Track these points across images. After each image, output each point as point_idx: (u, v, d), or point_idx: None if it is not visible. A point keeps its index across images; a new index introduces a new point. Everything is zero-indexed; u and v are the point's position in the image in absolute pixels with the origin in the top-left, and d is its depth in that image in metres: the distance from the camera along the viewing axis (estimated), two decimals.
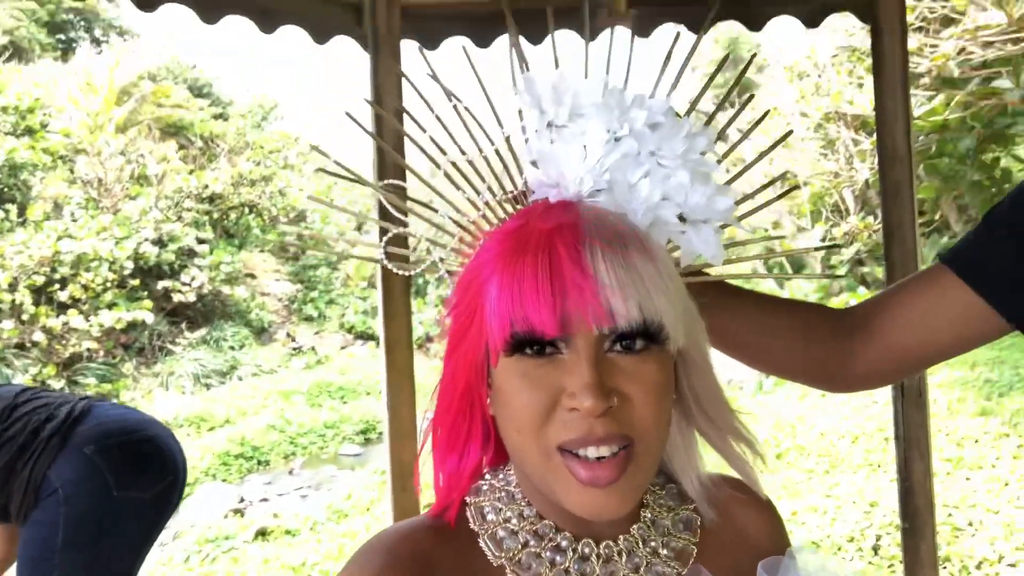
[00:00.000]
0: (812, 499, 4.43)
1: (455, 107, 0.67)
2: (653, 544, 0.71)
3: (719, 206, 0.69)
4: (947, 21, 5.00)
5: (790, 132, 1.05)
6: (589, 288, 0.60)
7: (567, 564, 0.68)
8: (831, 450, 5.22)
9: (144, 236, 11.58)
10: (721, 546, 0.75)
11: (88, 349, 10.20)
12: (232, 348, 11.76)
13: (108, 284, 10.79)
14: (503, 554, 0.68)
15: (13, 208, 10.95)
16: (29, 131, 12.64)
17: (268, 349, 12.32)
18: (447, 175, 0.66)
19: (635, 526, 0.71)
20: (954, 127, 5.44)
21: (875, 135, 2.08)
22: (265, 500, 6.88)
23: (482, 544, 0.69)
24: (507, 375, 0.64)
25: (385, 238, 0.69)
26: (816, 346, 0.96)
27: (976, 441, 5.08)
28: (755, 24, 2.09)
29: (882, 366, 0.97)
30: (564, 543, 0.69)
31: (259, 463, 7.87)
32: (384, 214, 0.72)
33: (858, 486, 4.49)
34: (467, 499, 0.73)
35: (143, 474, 1.89)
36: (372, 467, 6.97)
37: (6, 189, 11.41)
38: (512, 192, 0.68)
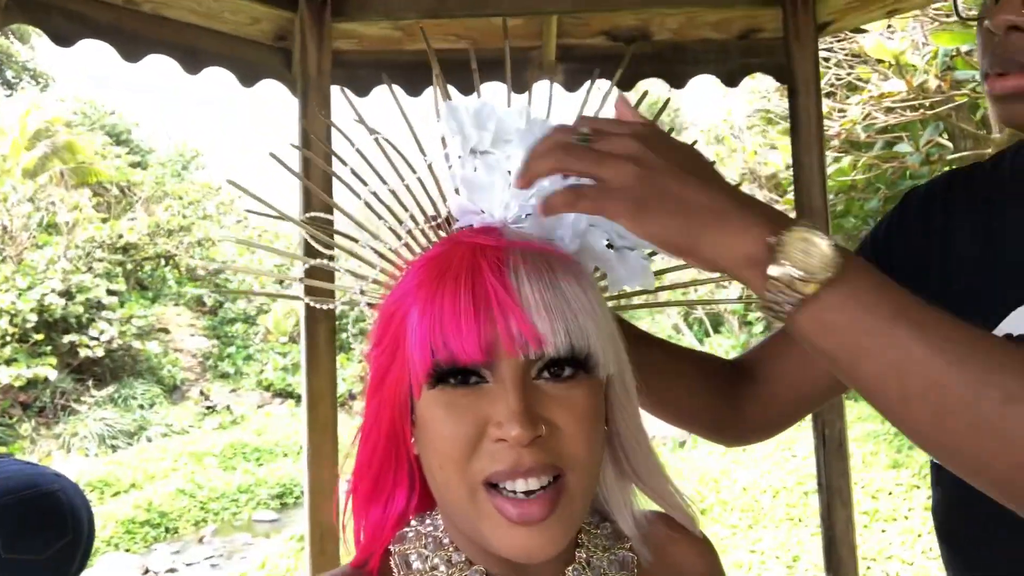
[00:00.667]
0: (737, 555, 4.44)
1: (377, 140, 0.64)
2: None
3: None
4: (853, 88, 5.32)
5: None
6: (514, 312, 0.57)
7: None
8: (753, 505, 5.27)
9: (50, 287, 11.02)
10: None
11: None
12: (141, 407, 11.21)
13: (7, 338, 10.18)
14: None
15: None
16: None
17: (180, 408, 11.79)
18: (368, 205, 0.62)
19: (570, 568, 0.67)
20: (861, 188, 5.74)
21: (792, 191, 2.15)
22: (172, 571, 6.50)
23: None
24: (430, 407, 0.60)
25: (304, 269, 0.64)
26: (713, 394, 0.97)
27: (890, 493, 5.23)
28: (678, 81, 2.15)
29: (769, 412, 0.99)
30: None
31: (167, 531, 7.44)
32: (309, 252, 0.68)
33: (781, 540, 4.54)
34: (391, 547, 0.68)
35: (38, 534, 1.75)
36: (289, 533, 6.68)
37: None
38: (435, 220, 0.65)
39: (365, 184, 0.63)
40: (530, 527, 0.58)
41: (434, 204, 0.64)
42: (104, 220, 13.10)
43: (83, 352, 11.06)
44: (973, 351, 0.49)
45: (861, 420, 6.70)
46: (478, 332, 0.57)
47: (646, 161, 0.54)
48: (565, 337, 0.58)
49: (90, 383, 11.21)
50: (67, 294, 11.26)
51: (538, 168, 0.56)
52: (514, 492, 0.58)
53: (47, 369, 10.22)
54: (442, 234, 0.66)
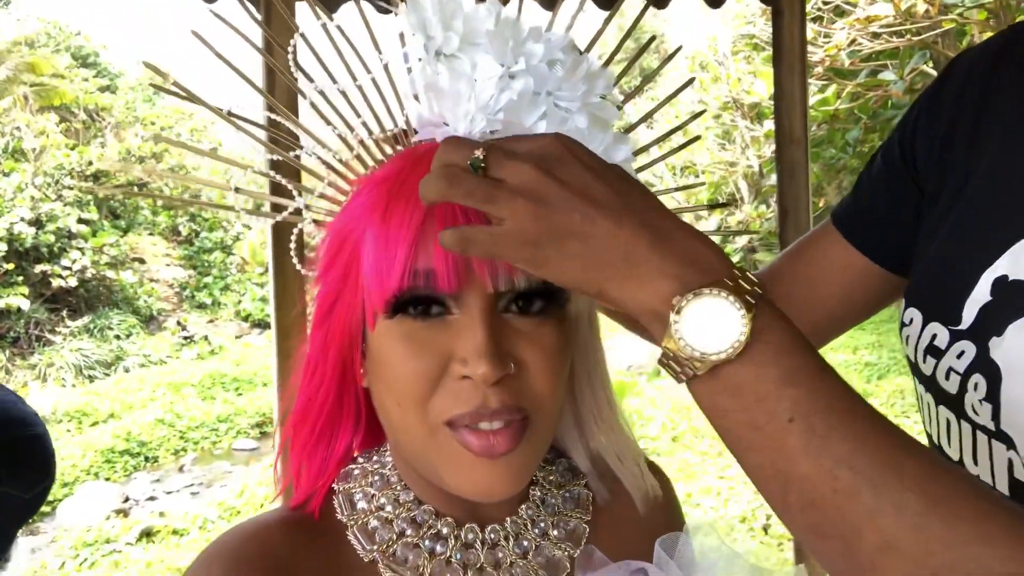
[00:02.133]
0: (706, 480, 4.54)
1: (325, 27, 0.58)
2: (543, 525, 0.65)
3: (617, 156, 0.63)
4: (840, 12, 5.21)
5: (702, 112, 1.00)
6: None
7: (448, 553, 0.61)
8: None
9: (19, 215, 10.77)
10: (614, 523, 0.70)
11: None
12: (118, 337, 11.12)
13: None
14: (375, 547, 0.60)
15: None
16: None
17: (157, 339, 11.72)
18: (314, 107, 0.57)
19: (523, 506, 0.65)
20: (843, 117, 5.68)
21: (773, 116, 2.11)
22: (152, 499, 6.54)
23: (351, 537, 0.61)
24: (387, 339, 0.56)
25: (235, 180, 0.59)
26: None
27: None
28: (661, 1, 2.07)
29: None
30: (445, 530, 0.62)
31: (147, 460, 7.47)
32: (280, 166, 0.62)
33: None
34: (335, 486, 0.64)
35: (27, 473, 1.75)
36: (268, 461, 6.74)
37: None
38: (391, 131, 0.60)
39: (311, 81, 0.58)
40: (493, 461, 0.54)
41: (391, 112, 0.59)
42: (72, 147, 12.73)
43: (56, 282, 10.90)
44: (865, 483, 0.42)
45: (833, 350, 6.80)
46: (446, 259, 0.52)
47: (544, 195, 0.46)
48: None
49: (64, 313, 11.08)
50: (37, 223, 11.02)
51: (424, 193, 0.48)
52: (477, 427, 0.54)
53: (19, 299, 10.07)
54: (400, 148, 0.61)
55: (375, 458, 0.66)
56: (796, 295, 0.91)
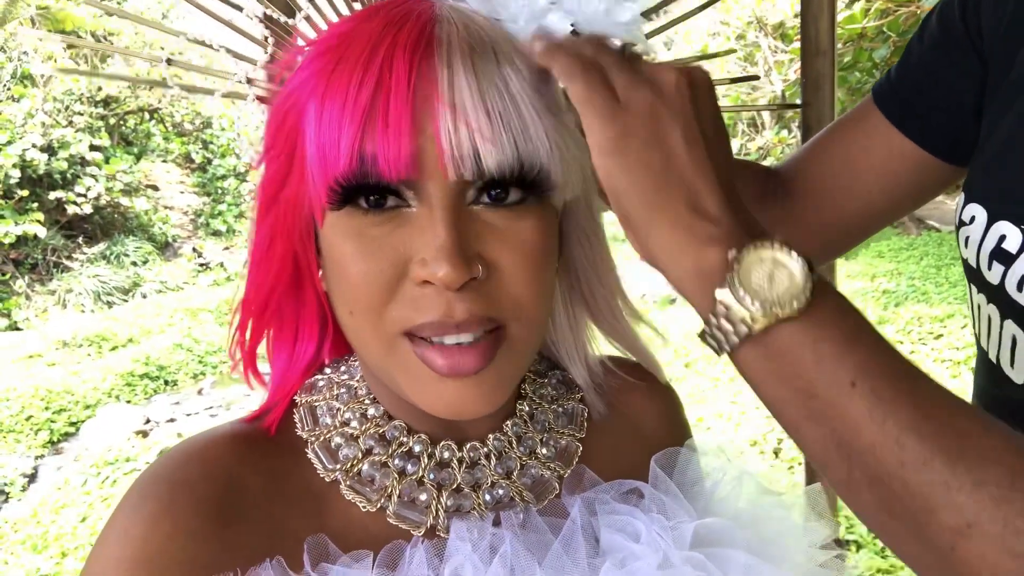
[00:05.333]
0: (718, 406, 4.53)
1: None
2: (530, 443, 0.60)
3: (621, 17, 0.55)
4: None
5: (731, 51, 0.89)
6: (445, 115, 0.45)
7: (420, 473, 0.55)
8: None
9: (31, 142, 10.70)
10: (612, 441, 0.64)
11: None
12: (135, 264, 11.17)
13: None
14: (338, 466, 0.54)
15: None
16: None
17: (173, 265, 11.76)
18: None
19: (509, 422, 0.59)
20: (871, 36, 5.42)
21: (800, 26, 1.98)
22: (172, 420, 6.65)
23: (310, 455, 0.55)
24: (336, 237, 0.48)
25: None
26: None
27: None
28: None
29: (808, 235, 0.82)
30: (418, 447, 0.56)
31: (166, 383, 7.56)
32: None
33: None
34: (297, 398, 0.58)
35: None
36: None
37: None
38: None
39: None
40: (462, 380, 0.48)
41: None
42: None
43: (71, 209, 10.90)
44: (937, 452, 0.38)
45: (851, 278, 6.69)
46: (398, 139, 0.44)
47: (670, 99, 0.45)
48: (512, 151, 0.46)
49: (80, 240, 11.12)
50: (49, 149, 10.96)
51: (541, 50, 0.47)
52: (442, 342, 0.48)
53: (36, 226, 10.10)
54: (357, 6, 0.53)
55: (343, 368, 0.60)
56: (831, 184, 0.81)
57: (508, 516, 0.56)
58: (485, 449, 0.58)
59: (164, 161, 13.45)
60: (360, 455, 0.55)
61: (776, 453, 3.85)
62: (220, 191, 13.59)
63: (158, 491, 0.50)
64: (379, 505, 0.54)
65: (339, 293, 0.50)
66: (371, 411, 0.57)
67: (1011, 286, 0.62)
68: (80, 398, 6.64)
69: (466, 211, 0.48)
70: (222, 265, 12.06)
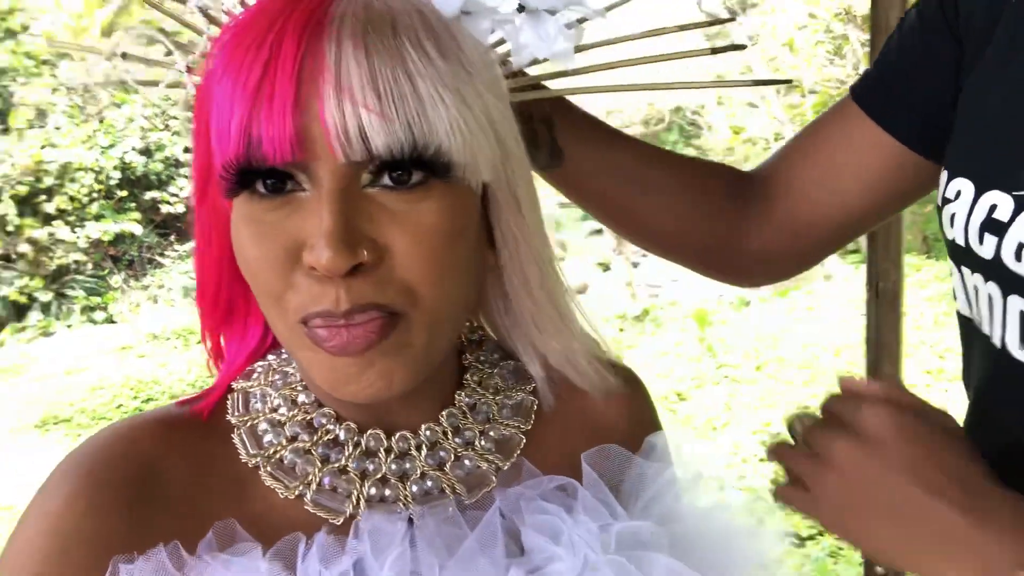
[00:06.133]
0: (788, 410, 4.37)
1: None
2: (468, 434, 0.58)
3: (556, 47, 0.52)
4: None
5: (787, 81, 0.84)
6: (330, 94, 0.43)
7: (344, 462, 0.54)
8: (813, 362, 5.15)
9: (130, 145, 11.31)
10: (562, 434, 0.61)
11: (76, 261, 10.12)
12: None
13: (95, 195, 10.60)
14: (260, 451, 0.54)
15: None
16: (10, 34, 12.20)
17: None
18: None
19: (445, 412, 0.57)
20: None
21: (870, 11, 1.89)
22: None
23: (235, 440, 0.55)
24: (236, 223, 0.48)
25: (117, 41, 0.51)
26: (704, 213, 0.76)
27: (958, 353, 4.99)
28: None
29: (782, 239, 0.77)
30: (343, 435, 0.55)
31: None
32: None
33: None
34: (234, 384, 0.58)
35: None
36: None
37: None
38: None
39: None
40: (354, 358, 0.46)
41: None
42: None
43: (164, 208, 11.46)
44: None
45: (938, 279, 6.36)
46: (281, 121, 0.43)
47: (855, 473, 0.47)
48: (405, 130, 0.44)
49: (172, 238, 11.68)
50: (146, 152, 11.56)
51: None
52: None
53: (133, 224, 10.66)
54: None
55: (284, 355, 0.59)
56: (807, 183, 0.76)
57: (424, 510, 0.54)
58: (416, 440, 0.56)
59: None
60: (284, 441, 0.55)
61: None
62: None
63: (78, 471, 0.51)
64: (297, 492, 0.53)
65: (248, 281, 0.50)
66: (301, 398, 0.56)
67: (1008, 257, 0.57)
68: (166, 388, 6.96)
69: (359, 194, 0.46)
70: None
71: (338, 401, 0.55)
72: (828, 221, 0.75)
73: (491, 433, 0.58)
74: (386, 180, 0.46)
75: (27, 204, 9.98)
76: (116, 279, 10.55)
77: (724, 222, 0.76)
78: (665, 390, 5.10)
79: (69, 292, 9.86)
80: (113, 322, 9.55)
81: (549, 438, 0.61)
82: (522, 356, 0.61)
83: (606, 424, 0.64)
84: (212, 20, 0.56)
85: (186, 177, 11.88)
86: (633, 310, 6.62)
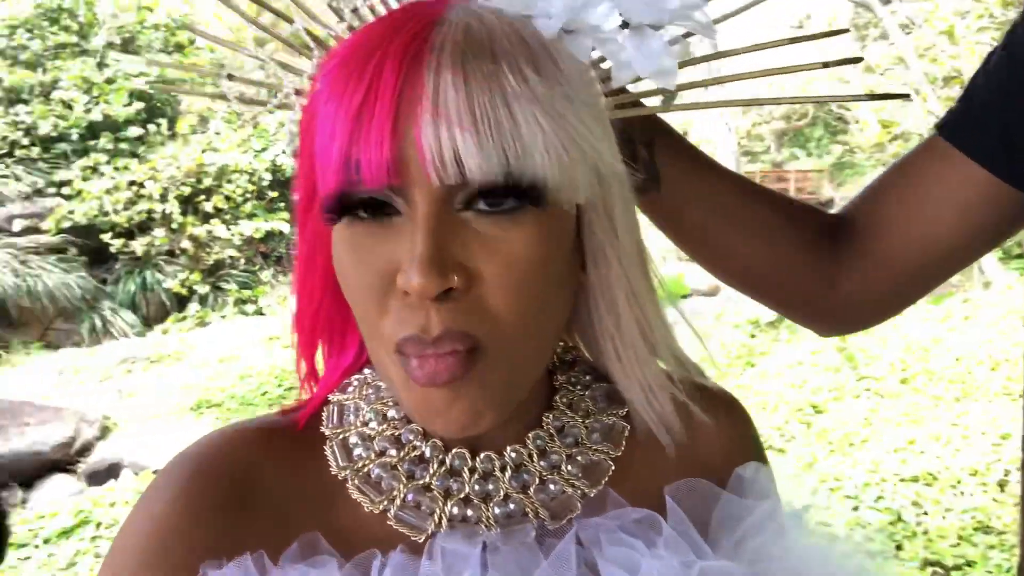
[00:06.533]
0: (935, 427, 4.05)
1: None
2: (555, 458, 0.56)
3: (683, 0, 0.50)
4: None
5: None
6: (427, 119, 0.43)
7: (428, 480, 0.54)
8: (965, 377, 4.73)
9: (281, 148, 12.04)
10: (651, 464, 0.59)
11: (230, 257, 10.89)
12: None
13: (248, 195, 11.37)
14: (350, 465, 0.55)
15: (164, 123, 11.65)
16: (178, 47, 13.30)
17: None
18: None
19: (532, 434, 0.56)
20: None
21: None
22: None
23: (327, 451, 0.56)
24: (337, 248, 0.49)
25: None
26: (801, 253, 0.73)
27: None
28: None
29: (877, 281, 0.74)
30: (429, 452, 0.55)
31: None
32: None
33: (992, 416, 4.06)
34: (330, 396, 0.59)
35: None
36: None
37: (158, 104, 12.13)
38: None
39: None
40: (440, 389, 0.46)
41: None
42: None
43: None
44: None
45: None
46: (379, 146, 0.43)
47: None
48: (500, 158, 0.43)
49: None
50: (296, 155, 12.26)
51: None
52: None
53: (281, 223, 11.34)
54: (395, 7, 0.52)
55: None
56: (898, 222, 0.73)
57: (500, 536, 0.53)
58: (501, 461, 0.55)
59: None
60: (373, 455, 0.55)
61: (1002, 486, 3.36)
62: None
63: (181, 473, 0.54)
64: (381, 507, 0.54)
65: (350, 305, 0.51)
66: (391, 413, 0.57)
67: None
68: None
69: (453, 218, 0.45)
70: None
71: None
72: (924, 259, 0.72)
73: (579, 458, 0.57)
74: (480, 205, 0.46)
75: (189, 204, 10.84)
76: (266, 274, 11.30)
77: (819, 264, 0.73)
78: (799, 401, 4.85)
79: (224, 285, 10.63)
80: (262, 314, 10.20)
81: (639, 466, 0.58)
82: (615, 378, 0.59)
83: (701, 454, 0.60)
84: (319, 43, 0.57)
85: None
86: (767, 316, 6.33)
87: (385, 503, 0.54)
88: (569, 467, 0.56)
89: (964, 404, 4.33)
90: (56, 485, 6.04)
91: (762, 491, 0.59)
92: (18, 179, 10.75)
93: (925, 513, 3.30)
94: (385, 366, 0.49)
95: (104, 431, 6.58)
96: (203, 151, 11.29)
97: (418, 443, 0.55)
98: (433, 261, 0.43)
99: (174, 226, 10.62)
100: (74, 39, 12.36)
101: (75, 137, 11.20)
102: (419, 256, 0.43)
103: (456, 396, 0.47)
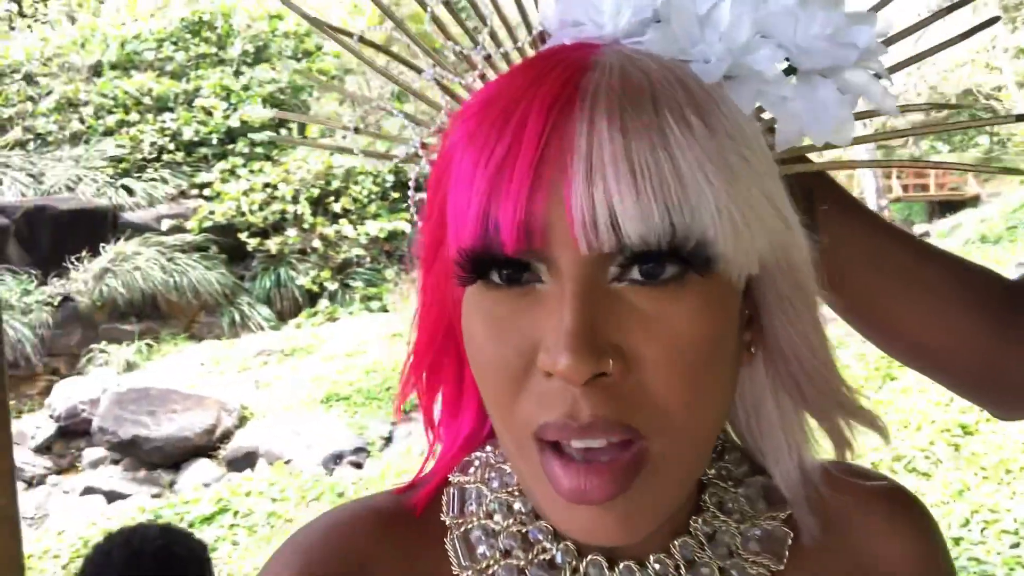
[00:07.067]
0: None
1: None
2: (705, 571, 0.48)
3: (856, 42, 0.45)
4: None
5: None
6: (579, 176, 0.38)
7: None
8: None
9: (403, 151, 12.38)
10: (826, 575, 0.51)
11: (357, 256, 11.28)
12: None
13: (372, 196, 11.75)
14: (472, 565, 0.49)
15: (295, 127, 12.20)
16: (307, 53, 13.91)
17: None
18: (435, 19, 0.49)
19: (678, 541, 0.49)
20: None
21: None
22: None
23: (448, 546, 0.50)
24: (468, 314, 0.44)
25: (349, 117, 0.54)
26: (980, 322, 0.62)
27: None
28: None
29: None
30: (560, 558, 0.49)
31: None
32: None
33: None
34: (450, 477, 0.54)
35: None
36: None
37: (289, 109, 12.73)
38: (528, 39, 0.49)
39: None
40: (590, 507, 0.40)
41: (524, 13, 0.49)
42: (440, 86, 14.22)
43: None
44: None
45: None
46: (515, 204, 0.38)
47: None
48: (663, 218, 0.38)
49: None
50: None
51: None
52: (569, 452, 0.41)
53: (403, 224, 11.65)
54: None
55: (501, 449, 0.54)
56: None
57: None
58: (645, 572, 0.48)
59: None
60: (498, 555, 0.50)
61: None
62: None
63: (297, 562, 0.50)
64: None
65: (477, 380, 0.46)
66: (517, 504, 0.51)
67: None
68: None
69: (606, 289, 0.40)
70: None
71: None
72: None
73: (733, 572, 0.49)
74: (635, 274, 0.40)
75: (319, 204, 11.32)
76: (390, 272, 11.65)
77: (997, 335, 0.62)
78: (947, 421, 4.48)
79: (351, 283, 11.04)
80: (386, 311, 10.52)
81: None
82: (773, 469, 0.51)
83: (884, 571, 0.52)
84: (449, 93, 0.52)
85: None
86: None
87: None
88: None
89: None
90: (200, 469, 6.46)
91: None
92: (165, 182, 11.58)
93: None
94: (516, 456, 0.44)
95: (242, 420, 6.97)
96: (331, 154, 11.75)
97: (548, 544, 0.49)
98: (585, 340, 0.38)
99: (305, 226, 11.11)
100: (213, 49, 13.16)
101: (215, 142, 11.93)
102: (568, 333, 0.38)
103: (608, 513, 0.41)
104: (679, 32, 0.44)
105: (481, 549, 0.50)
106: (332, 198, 11.45)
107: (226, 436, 6.76)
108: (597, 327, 0.39)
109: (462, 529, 0.51)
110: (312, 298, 10.87)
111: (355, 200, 11.55)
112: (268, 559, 0.52)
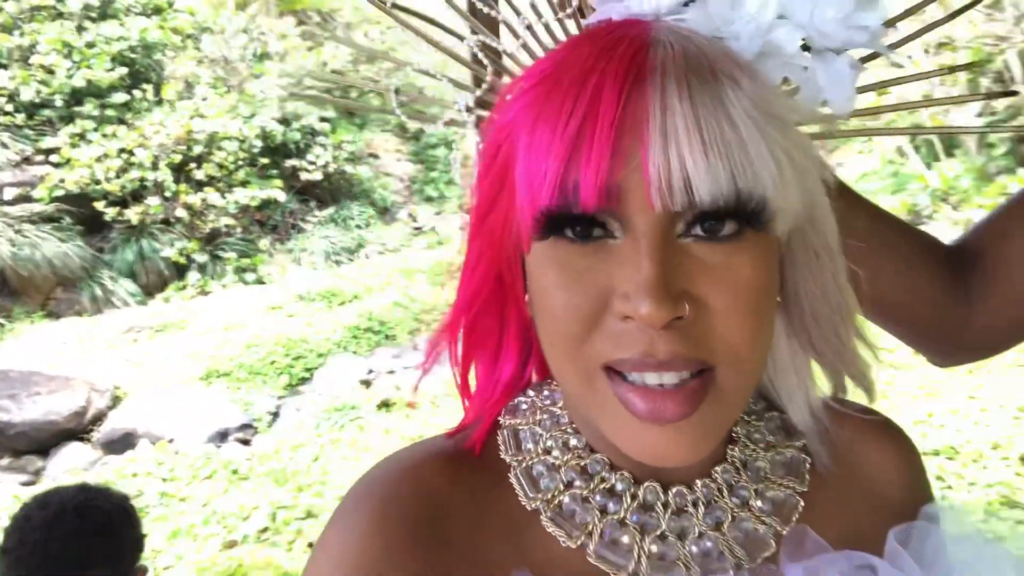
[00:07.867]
0: (953, 401, 4.10)
1: None
2: (744, 493, 0.55)
3: (864, 26, 0.50)
4: None
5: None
6: (655, 143, 0.43)
7: (622, 514, 0.53)
8: None
9: (269, 115, 11.85)
10: (838, 499, 0.59)
11: (226, 225, 10.76)
12: (359, 227, 12.11)
13: (240, 162, 11.21)
14: (539, 495, 0.53)
15: (149, 88, 11.42)
16: (157, 10, 12.97)
17: (392, 228, 12.61)
18: None
19: (719, 467, 0.55)
20: None
21: None
22: (392, 372, 7.17)
23: (512, 481, 0.54)
24: (541, 266, 0.48)
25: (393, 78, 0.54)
26: (934, 283, 0.72)
27: None
28: None
29: (1005, 319, 0.73)
30: (620, 486, 0.54)
31: (386, 337, 8.17)
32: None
33: (1008, 389, 4.11)
34: (500, 419, 0.58)
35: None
36: None
37: (142, 69, 11.87)
38: (567, 12, 0.52)
39: None
40: (662, 426, 0.45)
41: None
42: (310, 48, 13.66)
43: (304, 176, 11.98)
44: None
45: None
46: (598, 169, 0.43)
47: None
48: (729, 180, 0.43)
49: (313, 204, 12.22)
50: (284, 121, 12.07)
51: None
52: (644, 383, 0.46)
53: (276, 191, 11.22)
54: (575, 31, 0.53)
55: (546, 392, 0.59)
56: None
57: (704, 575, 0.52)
58: (693, 496, 0.54)
59: (383, 131, 14.34)
60: (561, 486, 0.54)
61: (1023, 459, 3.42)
62: (432, 159, 14.31)
63: (371, 507, 0.52)
64: (579, 542, 0.52)
65: (541, 323, 0.50)
66: (573, 441, 0.55)
67: None
68: (314, 347, 7.35)
69: (675, 244, 0.45)
70: (434, 229, 12.75)
71: (610, 447, 0.53)
72: None
73: (767, 493, 0.55)
74: (698, 231, 0.45)
75: (180, 171, 10.67)
76: (264, 242, 11.21)
77: (950, 296, 0.72)
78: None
79: (222, 254, 10.54)
80: (262, 283, 10.14)
81: (826, 503, 0.57)
82: (787, 406, 0.58)
83: (883, 487, 0.60)
84: (493, 59, 0.56)
85: (322, 146, 12.35)
86: None
87: (583, 538, 0.52)
88: (759, 503, 0.55)
89: (978, 377, 4.39)
90: (72, 453, 6.05)
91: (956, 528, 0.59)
92: (5, 147, 10.54)
93: (949, 487, 3.34)
94: (583, 386, 0.48)
95: (115, 400, 6.57)
96: (191, 117, 11.09)
97: (607, 474, 0.54)
98: (662, 289, 0.43)
99: (167, 194, 10.47)
100: (50, 1, 12.01)
101: (59, 103, 10.96)
102: (648, 282, 0.43)
103: (678, 430, 0.46)
104: (714, 12, 0.48)
105: (544, 482, 0.54)
106: (194, 164, 10.83)
107: (99, 418, 6.35)
108: (670, 277, 0.44)
109: (523, 465, 0.55)
110: (180, 270, 10.29)
111: (220, 166, 10.97)
112: (337, 508, 0.53)
